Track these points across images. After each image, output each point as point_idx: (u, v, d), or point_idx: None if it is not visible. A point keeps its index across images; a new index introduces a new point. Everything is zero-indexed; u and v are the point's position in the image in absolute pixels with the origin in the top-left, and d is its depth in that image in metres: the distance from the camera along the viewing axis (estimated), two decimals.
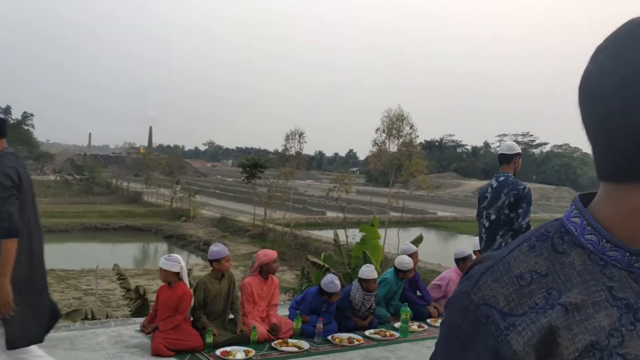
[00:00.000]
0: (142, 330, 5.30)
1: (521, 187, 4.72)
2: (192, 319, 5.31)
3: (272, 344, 5.17)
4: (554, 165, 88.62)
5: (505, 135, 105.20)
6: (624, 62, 0.64)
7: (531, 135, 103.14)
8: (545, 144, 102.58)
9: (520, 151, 5.17)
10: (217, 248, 5.49)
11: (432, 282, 7.09)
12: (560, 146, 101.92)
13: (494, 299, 0.66)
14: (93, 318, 6.73)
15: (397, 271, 6.38)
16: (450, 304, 0.71)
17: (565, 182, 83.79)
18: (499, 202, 4.65)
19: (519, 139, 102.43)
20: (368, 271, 6.00)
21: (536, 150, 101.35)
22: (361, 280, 5.97)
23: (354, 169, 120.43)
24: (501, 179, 4.78)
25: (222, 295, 5.37)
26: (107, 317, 7.01)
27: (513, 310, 0.65)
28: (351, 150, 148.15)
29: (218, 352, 4.90)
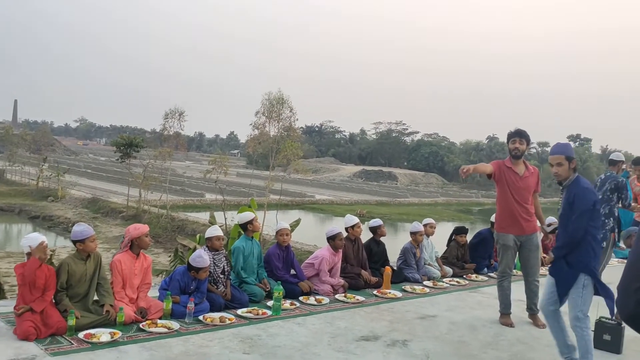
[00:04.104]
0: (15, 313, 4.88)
1: (619, 180, 7.40)
2: (53, 300, 5.03)
3: (140, 325, 5.03)
4: (423, 153, 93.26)
5: (380, 123, 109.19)
6: None
7: (404, 124, 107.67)
8: (417, 132, 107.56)
9: (622, 159, 7.87)
10: (80, 228, 5.22)
11: (306, 261, 7.23)
12: (430, 135, 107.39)
13: None
14: None
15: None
16: None
17: (433, 168, 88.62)
18: (604, 188, 7.32)
19: (393, 127, 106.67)
20: (211, 230, 6.30)
21: (408, 138, 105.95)
22: (206, 240, 6.22)
23: (235, 151, 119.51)
24: (607, 174, 7.53)
25: (87, 276, 5.13)
26: None
27: None
28: (232, 132, 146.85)
29: (81, 334, 4.69)
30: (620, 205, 7.61)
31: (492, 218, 9.33)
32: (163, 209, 29.47)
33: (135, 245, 5.43)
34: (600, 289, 4.29)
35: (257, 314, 5.66)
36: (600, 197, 7.65)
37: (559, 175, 4.37)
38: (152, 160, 32.66)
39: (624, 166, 8.25)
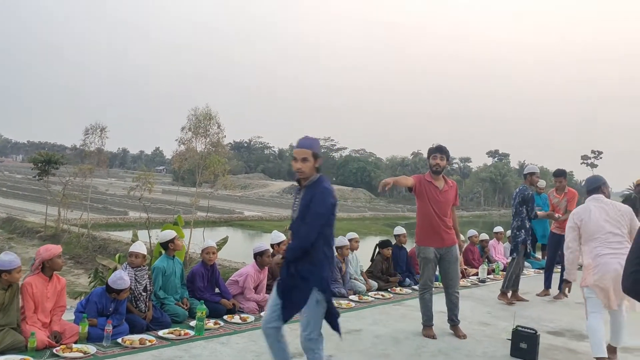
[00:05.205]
0: None
1: (526, 192, 7.82)
2: None
3: (54, 351, 4.79)
4: (351, 169, 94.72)
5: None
6: None
7: (332, 140, 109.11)
8: (345, 148, 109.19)
9: (532, 172, 8.09)
10: (8, 257, 4.96)
11: (230, 279, 7.12)
12: (357, 151, 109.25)
13: None
14: None
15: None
16: None
17: (361, 184, 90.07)
18: (515, 201, 7.93)
19: (321, 142, 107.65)
20: (132, 246, 6.15)
21: (336, 154, 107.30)
22: (128, 256, 6.07)
23: (161, 167, 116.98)
24: (520, 187, 8.02)
25: (3, 305, 4.86)
26: None
27: None
28: (158, 148, 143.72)
29: None
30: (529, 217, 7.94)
31: (395, 231, 9.56)
32: (84, 228, 28.39)
33: (47, 267, 5.18)
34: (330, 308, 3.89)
35: (179, 335, 5.50)
36: (513, 210, 8.00)
37: (302, 172, 3.85)
38: (72, 177, 31.44)
39: (539, 181, 8.57)
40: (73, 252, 24.83)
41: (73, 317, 5.56)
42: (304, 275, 3.82)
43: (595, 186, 5.45)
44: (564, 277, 5.62)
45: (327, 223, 3.83)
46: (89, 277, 10.69)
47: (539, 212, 8.76)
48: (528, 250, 8.00)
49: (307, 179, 3.89)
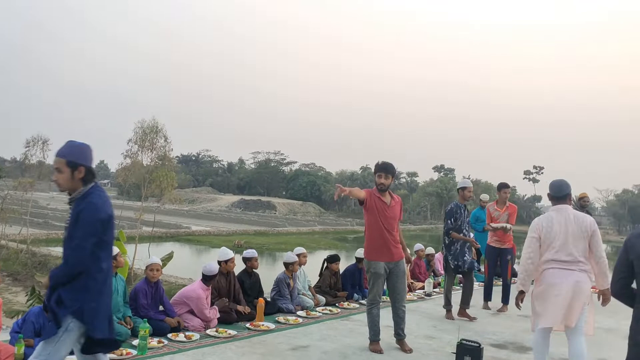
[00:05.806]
0: None
1: (447, 207, 8.09)
2: None
3: None
4: (301, 182, 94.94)
5: (258, 152, 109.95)
6: None
7: (282, 154, 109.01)
8: (295, 162, 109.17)
9: (462, 187, 8.09)
10: None
11: (176, 298, 6.93)
12: (307, 165, 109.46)
13: None
14: None
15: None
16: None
17: (310, 198, 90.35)
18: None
19: (271, 156, 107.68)
20: None
21: (286, 168, 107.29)
22: None
23: (105, 181, 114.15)
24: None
25: None
26: None
27: None
28: (102, 162, 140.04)
29: None
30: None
31: (357, 254, 9.53)
32: (23, 244, 27.36)
33: None
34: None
35: (121, 355, 5.34)
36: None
37: (59, 185, 3.38)
38: (11, 191, 30.32)
39: (471, 195, 8.39)
40: (11, 268, 23.87)
41: (9, 338, 5.34)
42: (62, 298, 3.27)
43: (564, 194, 4.97)
44: (517, 288, 5.34)
45: (98, 243, 3.29)
46: (26, 295, 10.26)
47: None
48: (452, 265, 8.03)
49: (74, 192, 3.38)
